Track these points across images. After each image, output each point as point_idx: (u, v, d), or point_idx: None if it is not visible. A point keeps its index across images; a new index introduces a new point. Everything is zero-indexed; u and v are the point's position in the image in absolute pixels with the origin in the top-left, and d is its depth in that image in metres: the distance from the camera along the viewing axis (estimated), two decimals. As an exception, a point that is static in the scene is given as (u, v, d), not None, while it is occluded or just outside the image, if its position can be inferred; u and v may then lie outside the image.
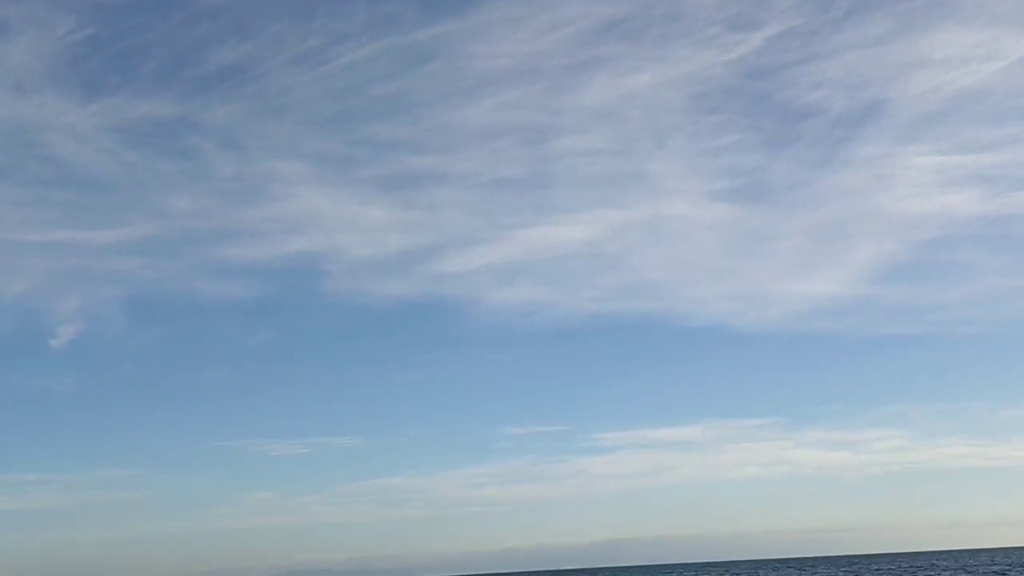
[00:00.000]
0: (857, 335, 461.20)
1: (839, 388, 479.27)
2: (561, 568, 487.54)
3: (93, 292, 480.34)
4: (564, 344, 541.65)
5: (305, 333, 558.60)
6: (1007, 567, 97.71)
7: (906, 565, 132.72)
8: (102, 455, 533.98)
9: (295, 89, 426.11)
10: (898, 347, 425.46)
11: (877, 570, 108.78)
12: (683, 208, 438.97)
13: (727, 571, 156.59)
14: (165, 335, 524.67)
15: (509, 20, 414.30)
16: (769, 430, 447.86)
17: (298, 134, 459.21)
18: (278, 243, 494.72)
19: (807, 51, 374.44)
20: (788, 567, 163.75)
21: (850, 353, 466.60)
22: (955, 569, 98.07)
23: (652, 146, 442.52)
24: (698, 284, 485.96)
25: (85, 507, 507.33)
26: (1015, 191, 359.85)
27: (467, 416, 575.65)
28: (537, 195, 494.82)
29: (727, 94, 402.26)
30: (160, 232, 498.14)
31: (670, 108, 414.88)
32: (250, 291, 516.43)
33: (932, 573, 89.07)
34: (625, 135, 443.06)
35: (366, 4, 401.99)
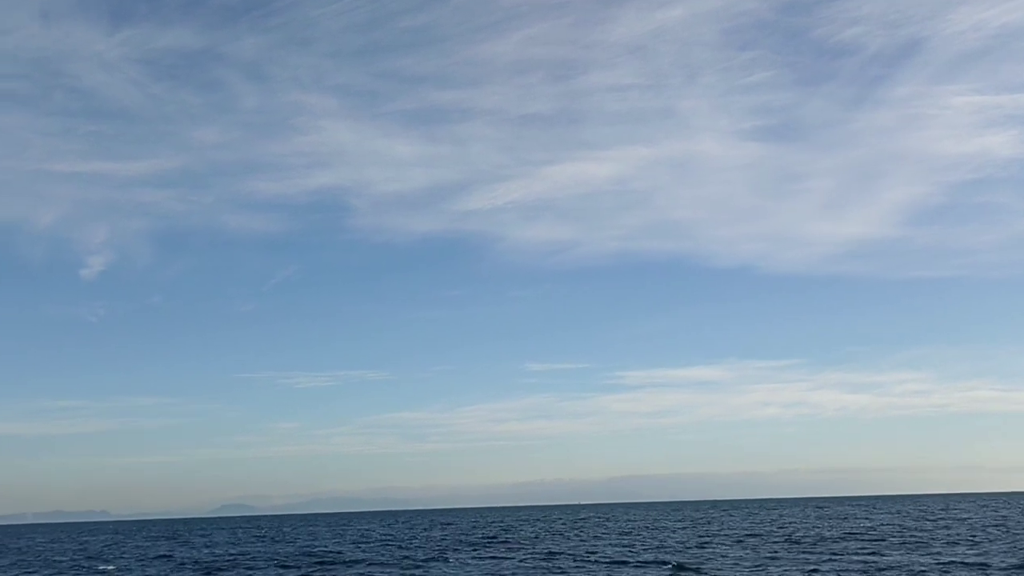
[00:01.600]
0: (885, 277, 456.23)
1: (864, 330, 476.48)
2: (580, 503, 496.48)
3: (121, 223, 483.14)
4: (589, 282, 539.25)
5: (330, 268, 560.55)
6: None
7: (925, 507, 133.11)
8: (134, 384, 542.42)
9: (321, 21, 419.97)
10: (926, 290, 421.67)
11: (897, 512, 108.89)
12: (712, 146, 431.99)
13: (744, 509, 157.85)
14: (192, 267, 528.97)
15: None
16: (791, 371, 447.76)
17: (324, 67, 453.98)
18: (303, 177, 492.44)
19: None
20: (806, 506, 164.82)
21: (877, 295, 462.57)
22: (974, 511, 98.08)
23: (682, 82, 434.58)
24: (726, 224, 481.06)
25: (117, 433, 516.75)
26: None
27: (490, 352, 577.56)
28: (564, 131, 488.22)
29: (761, 29, 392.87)
30: (186, 164, 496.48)
31: (702, 43, 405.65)
32: (276, 225, 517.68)
33: (949, 516, 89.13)
34: (655, 71, 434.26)
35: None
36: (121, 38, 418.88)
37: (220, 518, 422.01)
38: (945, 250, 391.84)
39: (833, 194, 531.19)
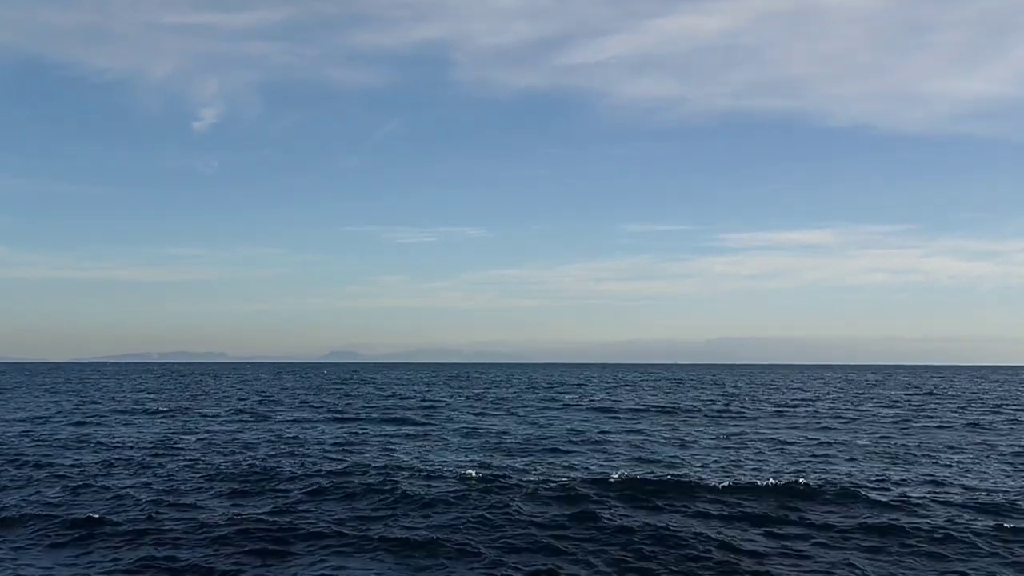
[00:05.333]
0: (1015, 140, 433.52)
1: (987, 195, 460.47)
2: (676, 362, 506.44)
3: (231, 76, 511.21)
4: (694, 141, 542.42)
5: (432, 123, 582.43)
6: None
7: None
8: (246, 234, 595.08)
9: None
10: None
11: (995, 381, 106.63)
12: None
13: (843, 376, 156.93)
14: (300, 121, 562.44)
15: None
16: (903, 237, 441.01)
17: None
18: (406, 29, 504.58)
19: None
20: (905, 374, 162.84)
21: (1005, 159, 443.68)
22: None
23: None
24: (842, 81, 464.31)
25: (232, 280, 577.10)
26: None
27: (590, 211, 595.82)
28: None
29: None
30: (292, 16, 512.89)
31: None
32: (380, 78, 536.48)
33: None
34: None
35: None
36: None
37: (329, 363, 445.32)
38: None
39: (961, 49, 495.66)
